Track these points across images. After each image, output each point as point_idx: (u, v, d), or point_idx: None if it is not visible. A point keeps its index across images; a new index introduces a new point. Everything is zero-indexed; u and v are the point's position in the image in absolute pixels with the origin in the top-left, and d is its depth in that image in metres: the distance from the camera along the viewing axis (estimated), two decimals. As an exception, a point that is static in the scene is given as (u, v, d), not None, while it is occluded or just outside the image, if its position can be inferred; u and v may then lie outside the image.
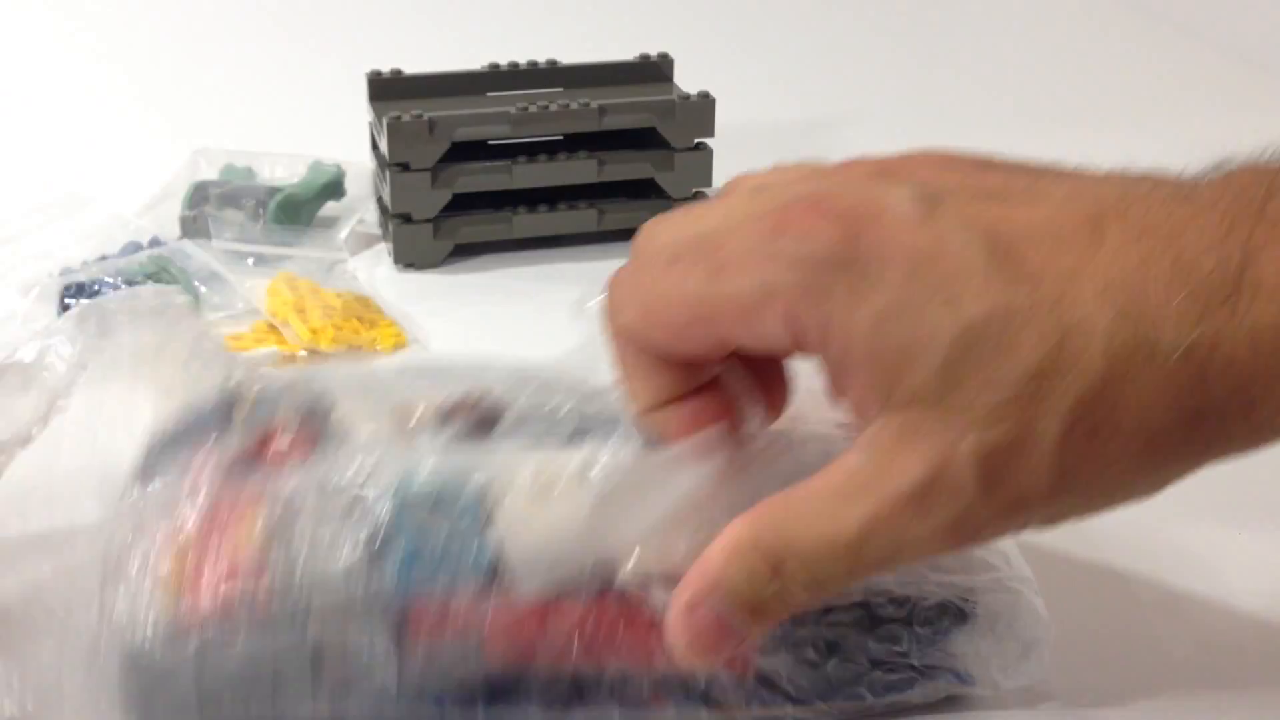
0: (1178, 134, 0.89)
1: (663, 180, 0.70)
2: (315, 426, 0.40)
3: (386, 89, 0.71)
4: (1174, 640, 0.44)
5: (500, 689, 0.37)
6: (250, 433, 0.39)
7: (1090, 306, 0.29)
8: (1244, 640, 0.44)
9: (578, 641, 0.36)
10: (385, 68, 0.71)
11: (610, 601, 0.36)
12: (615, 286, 0.35)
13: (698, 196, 0.71)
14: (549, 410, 0.42)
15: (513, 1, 1.14)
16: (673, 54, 0.75)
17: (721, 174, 0.72)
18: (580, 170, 0.69)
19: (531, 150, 0.69)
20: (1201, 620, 0.45)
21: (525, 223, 0.69)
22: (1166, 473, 0.31)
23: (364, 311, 0.61)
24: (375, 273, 0.68)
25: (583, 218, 0.70)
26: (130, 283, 0.61)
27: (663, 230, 0.35)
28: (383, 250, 0.70)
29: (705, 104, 0.69)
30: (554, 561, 0.35)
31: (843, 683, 0.38)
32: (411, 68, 0.71)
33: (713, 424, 0.35)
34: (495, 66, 0.73)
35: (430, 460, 0.38)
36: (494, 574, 0.36)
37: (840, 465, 0.32)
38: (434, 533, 0.36)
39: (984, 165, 0.34)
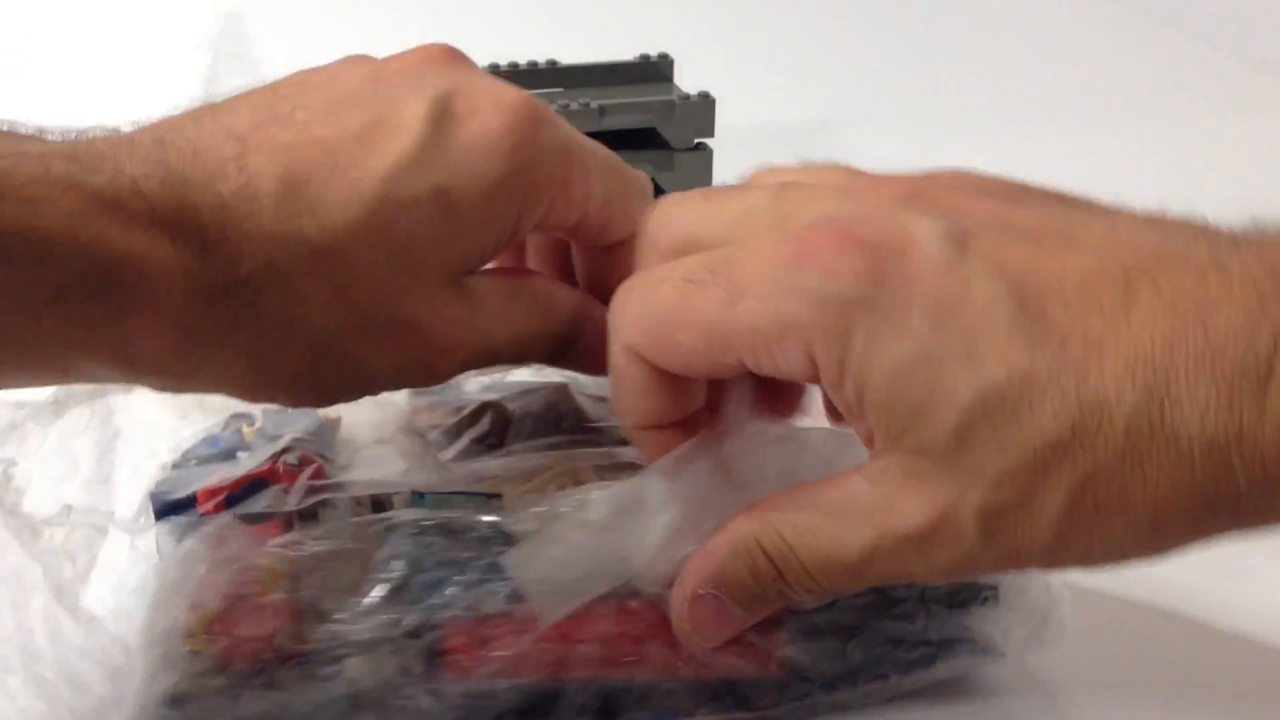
0: (1178, 134, 0.89)
1: (663, 180, 0.70)
2: (323, 447, 0.41)
3: (386, 89, 0.70)
4: (1192, 626, 0.44)
5: (534, 709, 0.37)
6: (260, 456, 0.39)
7: (1114, 381, 0.28)
8: (1261, 634, 0.44)
9: (606, 656, 0.37)
10: (385, 68, 0.71)
11: (634, 613, 0.37)
12: (624, 301, 0.34)
13: (698, 196, 0.71)
14: (553, 420, 0.42)
15: (513, 1, 1.14)
16: (673, 54, 0.75)
17: (721, 174, 0.72)
18: (580, 170, 0.68)
19: (531, 150, 0.68)
20: (1221, 611, 0.45)
21: (525, 223, 0.69)
22: (1171, 547, 0.31)
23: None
24: (375, 273, 0.68)
25: (583, 218, 0.69)
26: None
27: (678, 216, 0.34)
28: (383, 250, 0.70)
29: (705, 104, 0.69)
30: (568, 591, 0.36)
31: (865, 664, 0.39)
32: (411, 68, 0.71)
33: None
34: (495, 67, 0.73)
35: (439, 487, 0.39)
36: (516, 598, 0.36)
37: (847, 486, 0.32)
38: (453, 562, 0.37)
39: (1017, 194, 0.33)
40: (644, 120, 0.69)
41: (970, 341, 0.29)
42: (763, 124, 0.88)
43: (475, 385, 0.45)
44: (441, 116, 0.35)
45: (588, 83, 0.73)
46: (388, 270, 0.34)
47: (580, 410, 0.43)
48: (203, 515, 0.38)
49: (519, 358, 0.39)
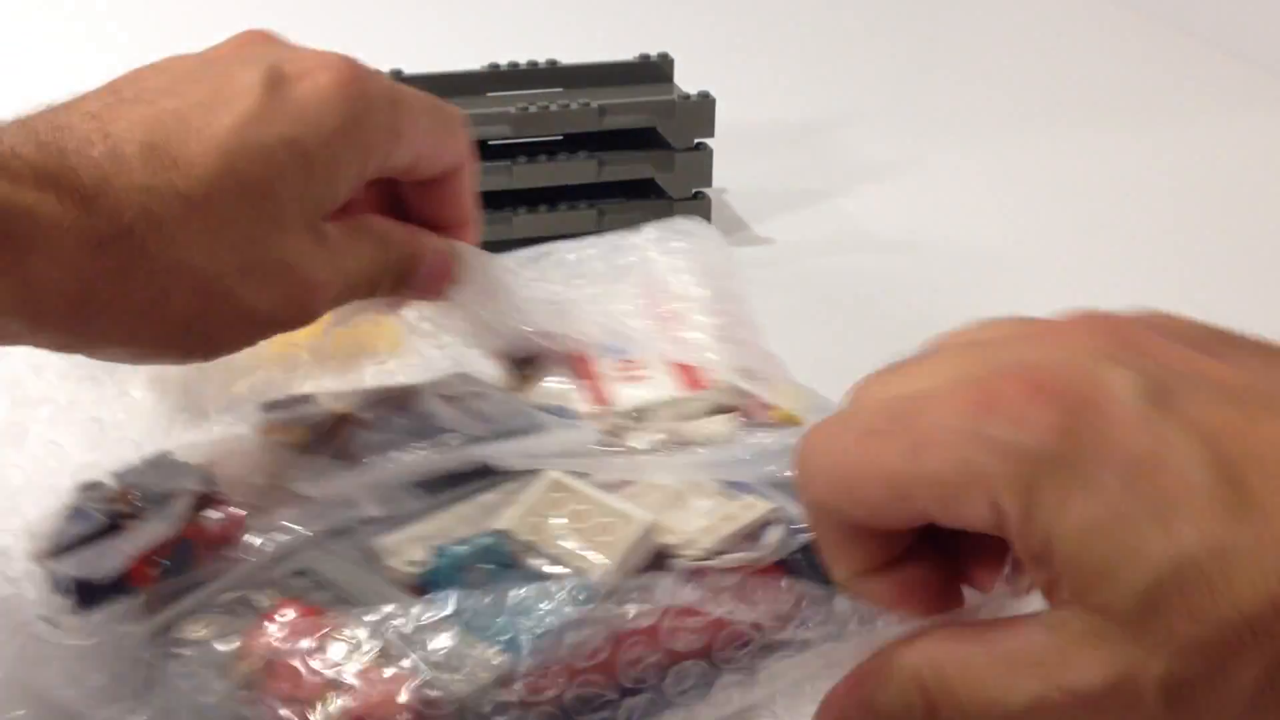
0: (1178, 134, 0.89)
1: (663, 180, 0.70)
2: (223, 493, 0.41)
3: (386, 89, 0.70)
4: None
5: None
6: (165, 515, 0.39)
7: None
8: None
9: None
10: (385, 68, 0.71)
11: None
12: (806, 455, 0.33)
13: (698, 196, 0.71)
14: (408, 430, 0.43)
15: (513, 1, 1.14)
16: (673, 54, 0.75)
17: (721, 174, 0.72)
18: (580, 170, 0.69)
19: (531, 150, 0.69)
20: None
21: (525, 223, 0.69)
22: None
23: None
24: (375, 273, 0.68)
25: (583, 218, 0.69)
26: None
27: (875, 387, 0.34)
28: (383, 250, 0.70)
29: (705, 104, 0.69)
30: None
31: None
32: (411, 68, 0.71)
33: (923, 591, 0.34)
34: (495, 66, 0.73)
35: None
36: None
37: (1020, 630, 0.31)
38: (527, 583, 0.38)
39: (1217, 345, 0.32)
40: (644, 120, 0.69)
41: (1165, 504, 0.28)
42: (763, 124, 0.88)
43: (328, 398, 0.45)
44: (275, 80, 0.39)
45: (588, 83, 0.73)
46: (254, 214, 0.38)
47: (430, 415, 0.44)
48: (140, 589, 0.38)
49: (371, 290, 0.43)
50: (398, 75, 0.71)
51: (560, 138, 0.70)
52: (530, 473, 0.42)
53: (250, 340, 0.40)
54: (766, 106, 0.92)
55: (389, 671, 0.35)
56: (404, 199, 0.46)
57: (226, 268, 0.38)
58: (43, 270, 0.35)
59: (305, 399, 0.45)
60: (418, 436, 0.43)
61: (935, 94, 0.98)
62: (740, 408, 0.46)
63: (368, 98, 0.41)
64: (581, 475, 0.42)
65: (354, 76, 0.41)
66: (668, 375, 0.47)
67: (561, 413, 0.45)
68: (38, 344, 0.37)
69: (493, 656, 0.36)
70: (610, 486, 0.42)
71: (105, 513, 0.39)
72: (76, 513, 0.40)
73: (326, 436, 0.43)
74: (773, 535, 0.41)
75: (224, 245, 0.37)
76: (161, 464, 0.41)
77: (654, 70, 0.74)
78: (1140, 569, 0.28)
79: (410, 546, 0.39)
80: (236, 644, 0.36)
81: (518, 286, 0.47)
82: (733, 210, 0.76)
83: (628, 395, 0.46)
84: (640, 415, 0.46)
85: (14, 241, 0.34)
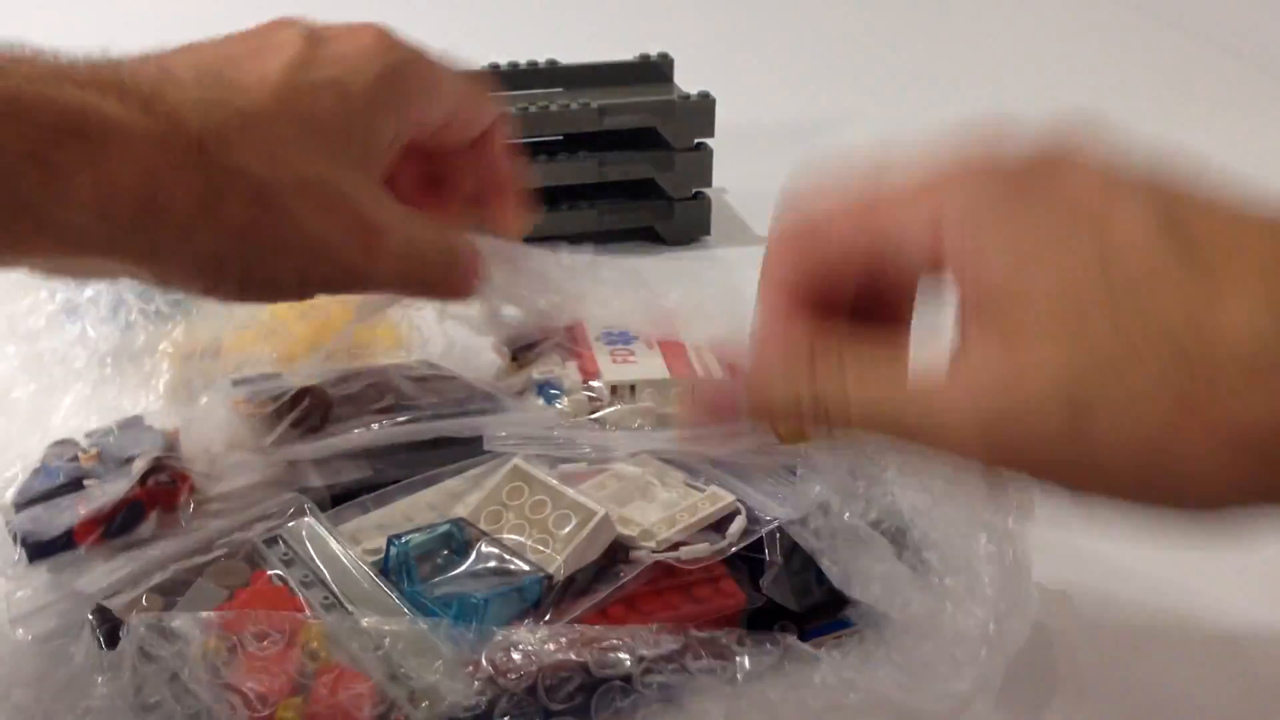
0: (1178, 134, 0.89)
1: (663, 180, 0.70)
2: (180, 461, 0.42)
3: (386, 89, 0.71)
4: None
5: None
6: (119, 479, 0.40)
7: (1250, 293, 0.30)
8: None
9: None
10: (385, 68, 0.71)
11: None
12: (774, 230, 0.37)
13: (698, 197, 0.71)
14: (372, 401, 0.44)
15: (513, 1, 1.14)
16: (673, 54, 0.75)
17: (721, 174, 0.72)
18: (580, 170, 0.69)
19: (531, 150, 0.69)
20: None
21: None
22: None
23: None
24: (375, 273, 0.68)
25: (583, 218, 0.70)
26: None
27: None
28: (383, 250, 0.70)
29: (705, 104, 0.69)
30: None
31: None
32: (411, 68, 0.71)
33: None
34: (495, 66, 0.73)
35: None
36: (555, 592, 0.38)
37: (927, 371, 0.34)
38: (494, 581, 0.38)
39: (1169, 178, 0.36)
40: (644, 120, 0.69)
41: (1104, 241, 0.31)
42: (762, 124, 0.88)
43: (294, 374, 0.46)
44: (314, 38, 0.42)
45: (588, 83, 0.73)
46: (308, 141, 0.40)
47: (399, 390, 0.45)
48: (84, 549, 0.39)
49: (421, 271, 0.43)
50: (398, 75, 0.71)
51: (560, 138, 0.70)
52: (495, 458, 0.43)
53: (310, 274, 0.40)
54: (766, 106, 0.92)
55: (351, 682, 0.35)
56: (444, 172, 0.47)
57: (283, 181, 0.39)
58: (115, 166, 0.36)
59: (275, 375, 0.46)
60: (377, 411, 0.44)
61: (935, 94, 0.98)
62: None
63: (402, 50, 0.44)
64: (543, 464, 0.42)
65: (387, 33, 0.44)
66: (656, 360, 0.49)
67: (551, 386, 0.47)
68: (105, 252, 0.38)
69: (463, 684, 0.36)
70: (576, 476, 0.42)
71: (69, 471, 0.41)
72: (44, 469, 0.42)
73: (288, 407, 0.44)
74: (736, 526, 0.41)
75: (279, 161, 0.39)
76: (131, 427, 0.43)
77: (654, 70, 0.74)
78: (1048, 297, 0.31)
79: (371, 534, 0.40)
80: (201, 624, 0.36)
81: (536, 276, 0.48)
82: (733, 210, 0.76)
83: (613, 372, 0.48)
84: (618, 391, 0.47)
85: (88, 139, 0.36)
